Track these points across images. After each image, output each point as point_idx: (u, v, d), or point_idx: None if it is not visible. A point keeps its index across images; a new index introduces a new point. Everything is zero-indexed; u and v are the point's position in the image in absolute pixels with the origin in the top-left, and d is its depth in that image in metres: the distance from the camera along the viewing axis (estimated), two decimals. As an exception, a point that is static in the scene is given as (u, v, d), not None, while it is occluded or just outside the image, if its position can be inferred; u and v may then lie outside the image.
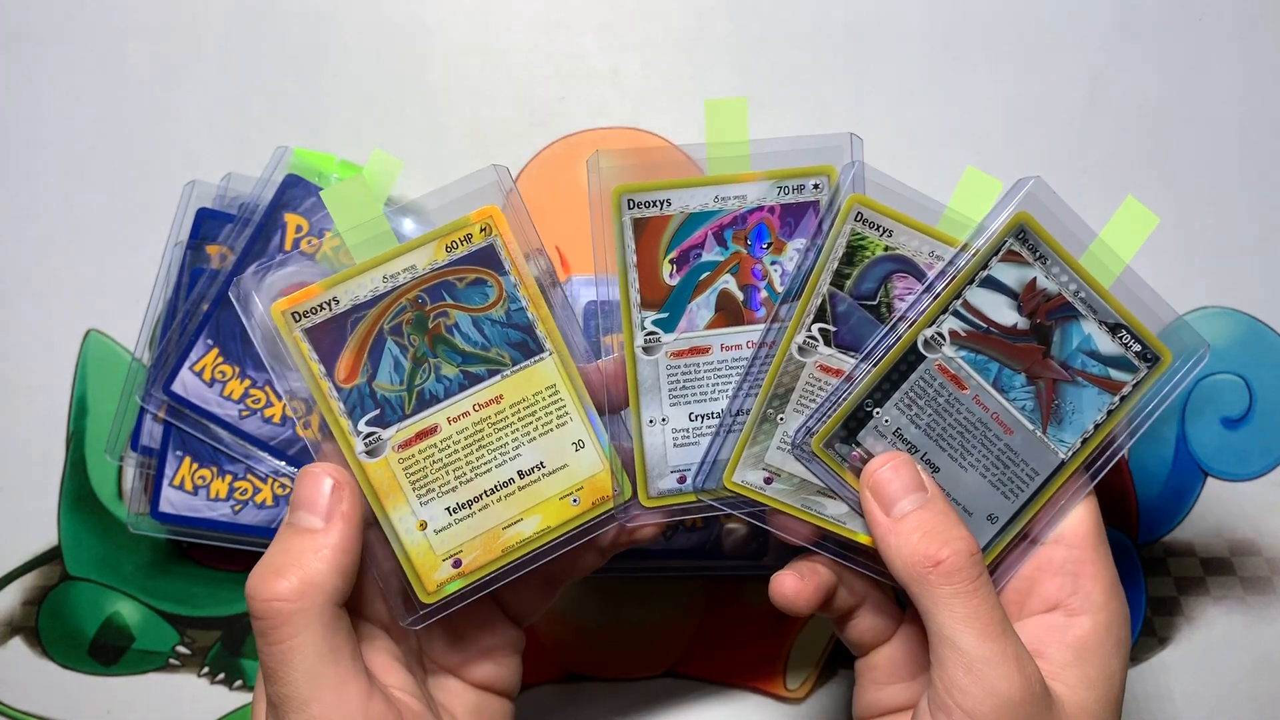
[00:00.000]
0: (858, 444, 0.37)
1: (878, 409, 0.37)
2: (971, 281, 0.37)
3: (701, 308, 0.38)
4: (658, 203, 0.37)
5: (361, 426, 0.36)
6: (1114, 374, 0.37)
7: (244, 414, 0.44)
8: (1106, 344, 0.37)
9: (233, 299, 0.36)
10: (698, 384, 0.38)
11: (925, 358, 0.37)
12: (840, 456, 0.37)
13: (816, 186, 0.38)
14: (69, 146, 0.50)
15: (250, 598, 0.33)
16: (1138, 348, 0.37)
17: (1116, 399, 0.37)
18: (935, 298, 0.36)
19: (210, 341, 0.44)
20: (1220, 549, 0.49)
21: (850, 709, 0.49)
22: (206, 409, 0.44)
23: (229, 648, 0.49)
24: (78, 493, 0.49)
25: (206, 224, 0.45)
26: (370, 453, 0.36)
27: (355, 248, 0.36)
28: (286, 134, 0.49)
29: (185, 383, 0.44)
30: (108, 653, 0.49)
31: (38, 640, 0.49)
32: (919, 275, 0.37)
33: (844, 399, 0.37)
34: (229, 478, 0.44)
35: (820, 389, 0.37)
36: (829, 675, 0.49)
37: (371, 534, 0.36)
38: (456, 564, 0.37)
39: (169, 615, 0.49)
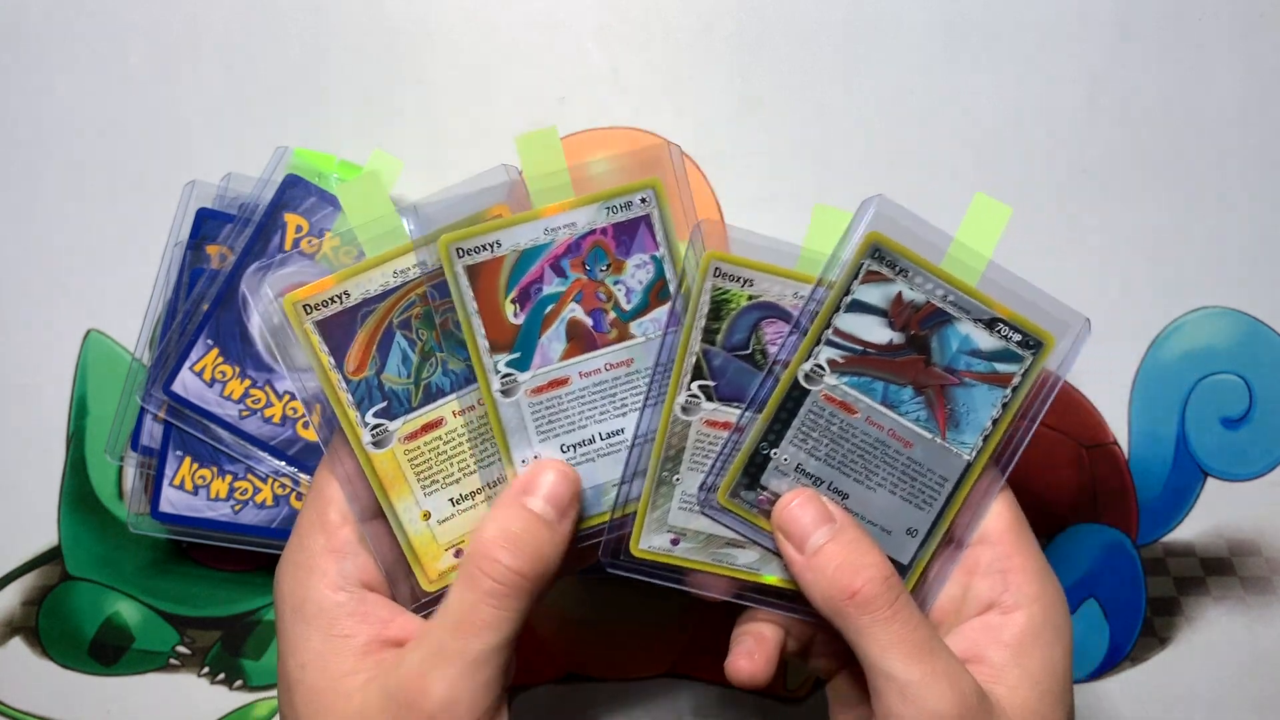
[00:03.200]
0: (762, 488, 0.37)
1: (774, 449, 0.37)
2: (838, 309, 0.37)
3: (553, 340, 0.38)
4: (487, 246, 0.37)
5: (369, 418, 0.37)
6: (1000, 368, 0.37)
7: (244, 414, 0.44)
8: (986, 340, 0.37)
9: (246, 291, 0.38)
10: (563, 415, 0.38)
11: (809, 390, 0.37)
12: (748, 504, 0.37)
13: (644, 200, 0.38)
14: (69, 146, 0.50)
15: (493, 559, 0.34)
16: (1018, 337, 0.37)
17: (1008, 391, 0.37)
18: (805, 333, 0.36)
19: (210, 341, 0.44)
20: (1220, 549, 0.49)
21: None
22: (206, 409, 0.44)
23: (229, 648, 0.49)
24: (78, 493, 0.49)
25: (206, 224, 0.45)
26: (377, 444, 0.37)
27: (367, 243, 0.37)
28: (286, 134, 0.49)
29: (185, 383, 0.44)
30: (108, 653, 0.49)
31: (38, 640, 0.49)
32: (786, 317, 0.37)
33: (739, 447, 0.37)
34: (229, 478, 0.44)
35: (710, 443, 0.37)
36: (829, 675, 0.49)
37: (377, 524, 0.37)
38: (458, 554, 0.37)
39: (169, 615, 0.49)
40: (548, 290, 0.37)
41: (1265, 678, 0.49)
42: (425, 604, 0.37)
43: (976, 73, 0.51)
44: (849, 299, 0.37)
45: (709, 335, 0.37)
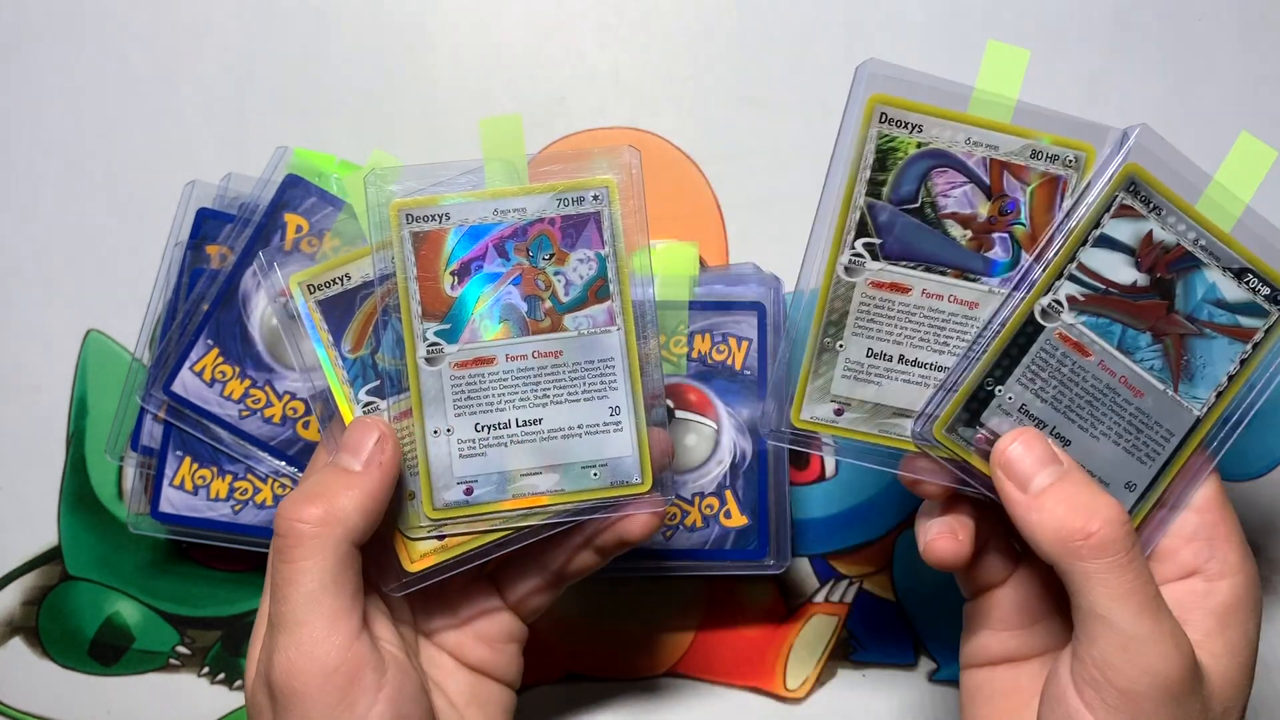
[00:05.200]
0: (982, 425, 0.35)
1: (999, 387, 0.35)
2: (1085, 242, 0.35)
3: (485, 319, 0.38)
4: (436, 216, 0.37)
5: (362, 395, 0.39)
6: (1243, 321, 0.35)
7: (244, 414, 0.44)
8: (1233, 291, 0.35)
9: (257, 269, 0.40)
10: (483, 395, 0.37)
11: (1044, 328, 0.35)
12: (965, 440, 0.35)
13: (596, 198, 0.38)
14: (69, 146, 0.50)
15: (278, 516, 0.34)
16: (1267, 291, 0.35)
17: (1249, 347, 0.35)
18: (1048, 264, 0.35)
19: (210, 341, 0.44)
20: (1220, 549, 0.49)
21: (850, 708, 0.49)
22: (206, 409, 0.44)
23: (229, 648, 0.49)
24: (78, 493, 0.49)
25: (206, 224, 0.45)
26: None
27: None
28: (286, 134, 0.49)
29: (185, 383, 0.44)
30: (108, 653, 0.49)
31: (38, 640, 0.49)
32: (959, 166, 0.35)
33: (961, 380, 0.35)
34: (229, 478, 0.44)
35: (877, 306, 0.36)
36: (829, 675, 0.49)
37: None
38: (440, 538, 0.38)
39: (169, 615, 0.49)
40: (488, 269, 0.38)
41: (1265, 678, 0.49)
42: (406, 584, 0.38)
43: (976, 73, 0.50)
44: (1098, 233, 0.35)
45: (874, 188, 0.35)
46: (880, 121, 0.35)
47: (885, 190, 0.35)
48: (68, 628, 0.49)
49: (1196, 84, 0.51)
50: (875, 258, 0.35)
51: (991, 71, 0.35)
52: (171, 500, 0.44)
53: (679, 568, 0.46)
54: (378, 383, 0.39)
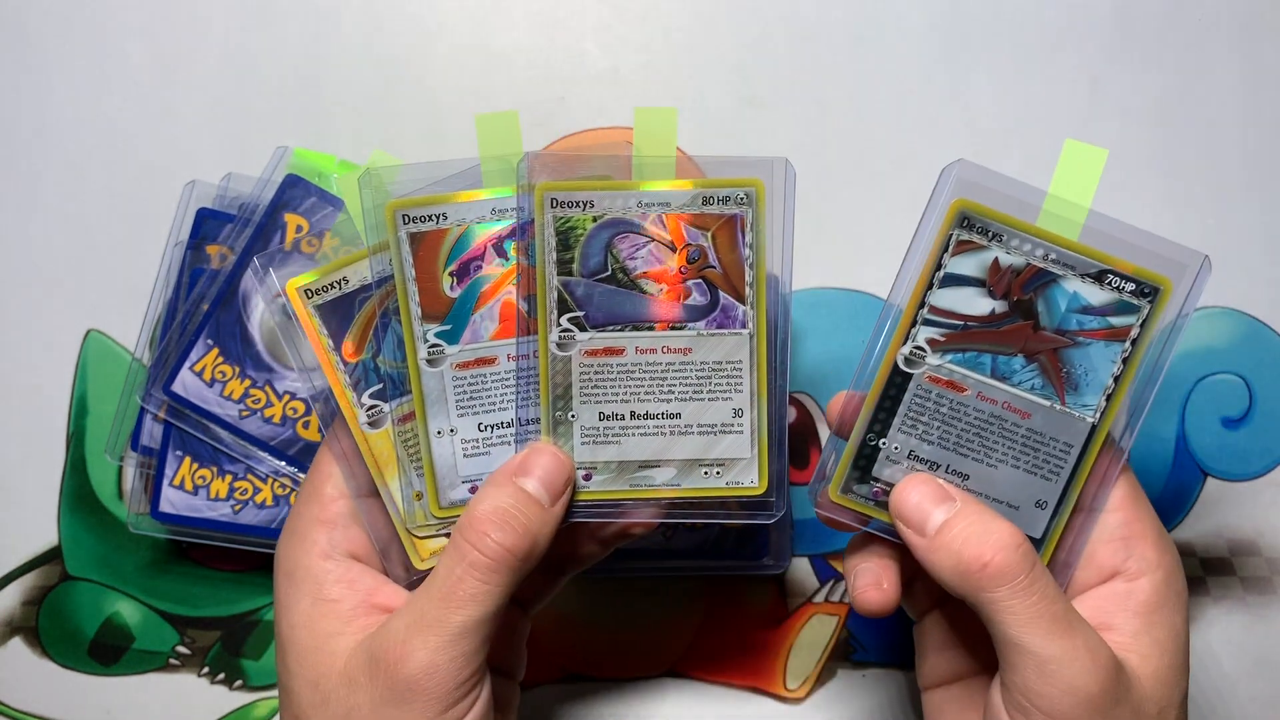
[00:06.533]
0: (875, 480, 0.36)
1: (882, 439, 0.36)
2: (931, 285, 0.35)
3: (485, 319, 0.38)
4: (434, 216, 0.38)
5: (365, 399, 0.39)
6: (1115, 321, 0.35)
7: (244, 414, 0.44)
8: (1096, 294, 0.35)
9: (248, 284, 0.40)
10: (485, 395, 0.38)
11: (911, 375, 0.36)
12: (863, 497, 0.36)
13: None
14: (69, 146, 0.50)
15: (482, 533, 0.34)
16: (1131, 286, 0.35)
17: (1128, 344, 0.35)
18: (899, 314, 0.35)
19: (210, 341, 0.44)
20: (1220, 549, 0.49)
21: (850, 708, 0.49)
22: (206, 409, 0.44)
23: (229, 648, 0.49)
24: (78, 493, 0.49)
25: (206, 224, 0.45)
26: (372, 424, 0.39)
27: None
28: (286, 134, 0.49)
29: (185, 383, 0.44)
30: (108, 653, 0.49)
31: (38, 640, 0.49)
32: (635, 229, 0.37)
33: (846, 441, 0.35)
34: (229, 478, 0.44)
35: (597, 372, 0.37)
36: (829, 675, 0.49)
37: (372, 501, 0.38)
38: (447, 535, 0.38)
39: (169, 615, 0.49)
40: (487, 269, 0.38)
41: (1265, 678, 0.49)
42: (417, 581, 0.38)
43: (976, 73, 0.51)
44: (941, 273, 0.35)
45: (564, 266, 0.37)
46: (552, 206, 0.37)
47: (575, 266, 0.37)
48: (68, 628, 0.49)
49: (1196, 84, 0.51)
50: (583, 329, 0.37)
51: (643, 133, 0.37)
52: (171, 500, 0.44)
53: (679, 568, 0.46)
54: (380, 386, 0.39)
